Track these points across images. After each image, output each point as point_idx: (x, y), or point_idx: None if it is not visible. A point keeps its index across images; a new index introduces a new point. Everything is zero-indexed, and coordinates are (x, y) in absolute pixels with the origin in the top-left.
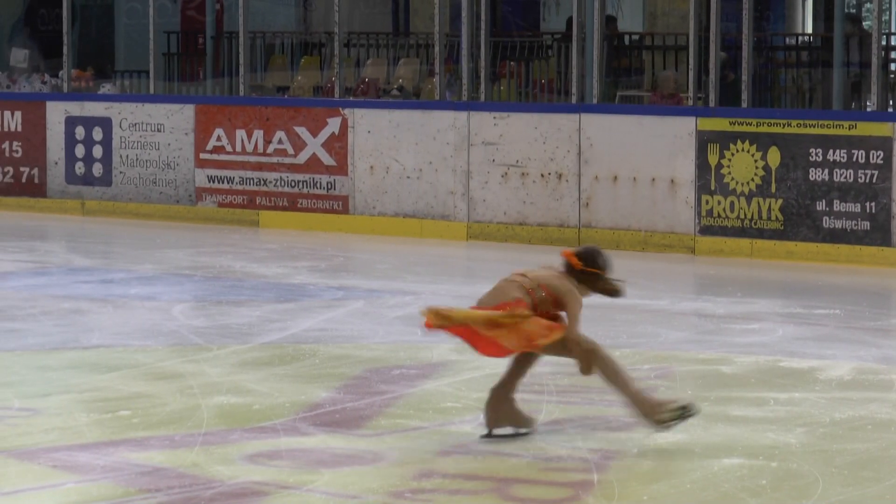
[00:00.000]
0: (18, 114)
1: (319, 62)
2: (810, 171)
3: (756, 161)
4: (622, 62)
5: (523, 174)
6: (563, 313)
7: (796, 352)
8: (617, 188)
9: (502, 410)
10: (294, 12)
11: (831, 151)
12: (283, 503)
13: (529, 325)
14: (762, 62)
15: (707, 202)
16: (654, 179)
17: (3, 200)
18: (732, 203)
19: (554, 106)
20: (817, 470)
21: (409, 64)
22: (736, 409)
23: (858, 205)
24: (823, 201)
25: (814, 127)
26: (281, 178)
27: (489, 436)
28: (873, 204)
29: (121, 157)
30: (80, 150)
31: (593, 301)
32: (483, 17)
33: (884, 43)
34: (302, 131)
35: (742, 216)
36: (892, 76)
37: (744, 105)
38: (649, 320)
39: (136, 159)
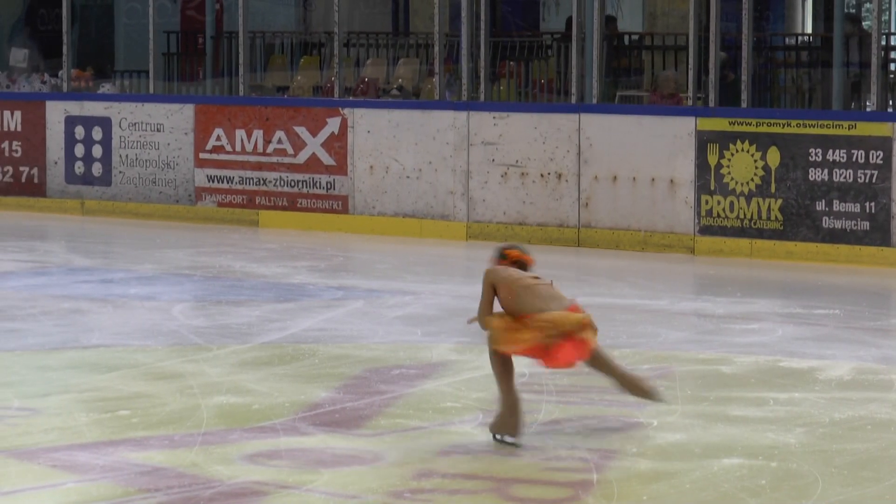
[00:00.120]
0: (18, 113)
1: (319, 62)
2: (810, 171)
3: (756, 161)
4: (622, 62)
5: (523, 174)
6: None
7: (796, 352)
8: (616, 188)
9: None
10: (294, 12)
11: (831, 151)
12: (282, 503)
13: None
14: (762, 62)
15: (707, 202)
16: (653, 179)
17: (2, 200)
18: (732, 203)
19: (553, 106)
20: (817, 470)
21: (409, 64)
22: (735, 409)
23: (858, 205)
24: (823, 201)
25: (813, 127)
26: (280, 177)
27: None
28: (873, 204)
29: (120, 156)
30: (79, 150)
31: (593, 301)
32: (483, 16)
33: (883, 43)
34: (301, 131)
35: (742, 216)
36: (892, 76)
37: (743, 105)
38: (649, 320)
39: (136, 159)
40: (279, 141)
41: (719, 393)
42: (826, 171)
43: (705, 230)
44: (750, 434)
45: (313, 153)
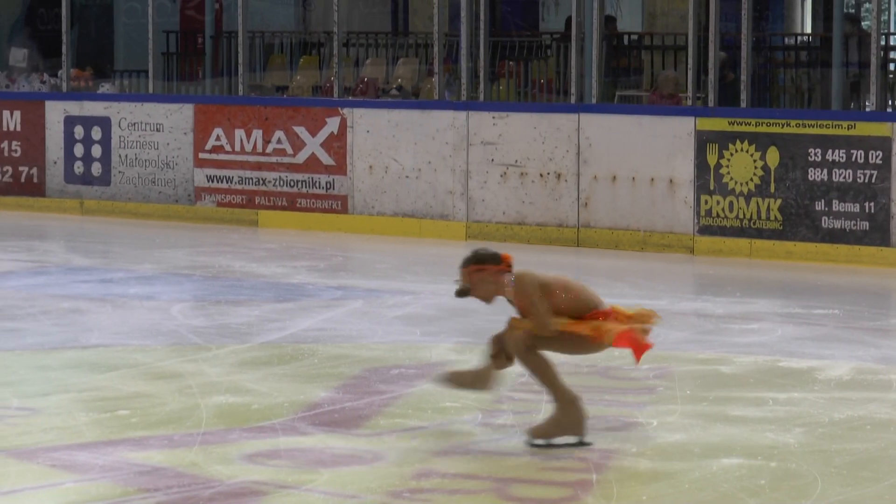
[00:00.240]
0: (17, 113)
1: (318, 62)
2: (809, 171)
3: (755, 161)
4: (621, 62)
5: (522, 174)
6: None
7: (795, 352)
8: (616, 188)
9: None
10: (293, 12)
11: (830, 151)
12: (281, 503)
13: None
14: (761, 62)
15: (706, 202)
16: (652, 179)
17: (2, 200)
18: (731, 203)
19: (553, 106)
20: (816, 470)
21: (408, 64)
22: (735, 409)
23: (857, 205)
24: (822, 201)
25: (813, 127)
26: (280, 177)
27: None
28: (872, 204)
29: (120, 156)
30: (78, 150)
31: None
32: (482, 16)
33: (882, 43)
34: (301, 131)
35: (741, 216)
36: (891, 76)
37: (743, 105)
38: None
39: (135, 159)
40: (278, 141)
41: (719, 393)
42: (825, 171)
43: (705, 230)
44: (749, 434)
45: (312, 153)
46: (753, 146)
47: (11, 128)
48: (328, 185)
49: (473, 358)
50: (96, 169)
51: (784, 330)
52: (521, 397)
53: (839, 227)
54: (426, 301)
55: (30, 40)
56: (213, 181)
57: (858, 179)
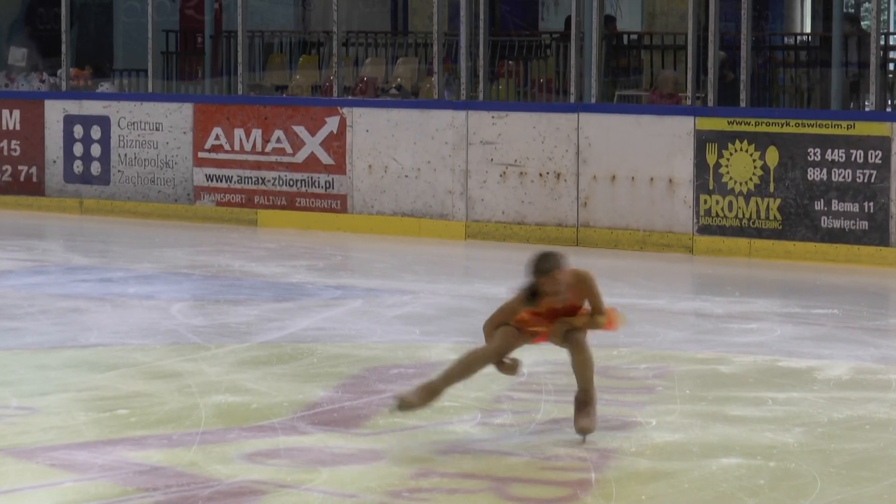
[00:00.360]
0: (17, 112)
1: (318, 61)
2: (808, 170)
3: (754, 161)
4: (621, 62)
5: (521, 173)
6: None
7: (794, 351)
8: (615, 188)
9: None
10: (293, 11)
11: (830, 151)
12: (281, 502)
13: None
14: (761, 62)
15: (705, 202)
16: (652, 179)
17: (1, 199)
18: (731, 202)
19: (552, 105)
20: (815, 470)
21: (408, 63)
22: (734, 408)
23: (857, 205)
24: (822, 201)
25: (812, 127)
26: (279, 177)
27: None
28: (871, 204)
29: (119, 155)
30: (78, 149)
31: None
32: (482, 16)
33: (882, 43)
34: (300, 130)
35: (740, 216)
36: (891, 76)
37: (742, 105)
38: (647, 320)
39: (135, 158)
40: (278, 140)
41: (718, 393)
42: (825, 170)
43: (704, 230)
44: (748, 434)
45: (312, 152)
46: (753, 146)
47: (11, 127)
48: (327, 185)
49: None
50: (95, 168)
51: (783, 330)
52: (520, 397)
53: (838, 226)
54: (425, 300)
55: (29, 39)
56: (212, 180)
57: (858, 179)
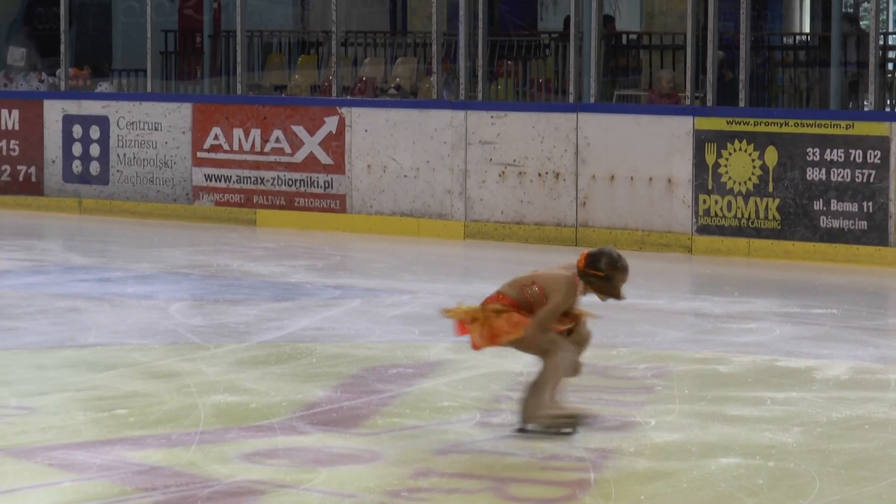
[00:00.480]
0: (16, 112)
1: (317, 61)
2: (808, 170)
3: (753, 160)
4: (619, 61)
5: (520, 173)
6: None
7: (793, 351)
8: (614, 187)
9: (532, 405)
10: (291, 11)
11: (828, 151)
12: (279, 502)
13: (498, 320)
14: (760, 62)
15: (704, 201)
16: (651, 179)
17: (0, 199)
18: (730, 202)
19: (551, 105)
20: (814, 469)
21: (407, 63)
22: (733, 408)
23: (856, 204)
24: (821, 201)
25: (811, 126)
26: (278, 176)
27: (523, 430)
28: (870, 203)
29: (118, 155)
30: (77, 149)
31: (591, 300)
32: (481, 16)
33: (881, 42)
34: (299, 130)
35: (739, 216)
36: (890, 76)
37: (741, 104)
38: (646, 319)
39: (134, 158)
40: (277, 140)
41: (717, 392)
42: (824, 170)
43: (703, 229)
44: (747, 433)
45: (311, 152)
46: (752, 146)
47: (10, 127)
48: (326, 185)
49: (471, 357)
50: (94, 168)
51: (782, 329)
52: (519, 397)
53: (837, 226)
54: (424, 300)
55: (28, 39)
56: (211, 180)
57: (857, 179)
